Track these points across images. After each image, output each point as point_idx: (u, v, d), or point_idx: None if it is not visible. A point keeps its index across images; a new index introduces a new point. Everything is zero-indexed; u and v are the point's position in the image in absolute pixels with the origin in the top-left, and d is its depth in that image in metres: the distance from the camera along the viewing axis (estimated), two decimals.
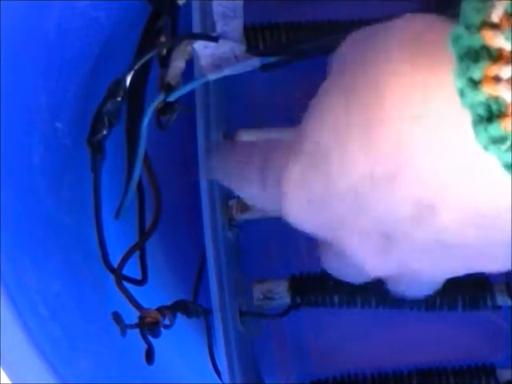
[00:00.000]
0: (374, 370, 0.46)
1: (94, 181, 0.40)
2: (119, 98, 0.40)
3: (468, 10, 0.26)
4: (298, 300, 0.45)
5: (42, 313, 0.37)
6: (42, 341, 0.36)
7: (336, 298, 0.44)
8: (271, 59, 0.40)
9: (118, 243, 0.42)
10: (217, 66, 0.39)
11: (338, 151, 0.31)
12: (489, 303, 0.44)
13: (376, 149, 0.30)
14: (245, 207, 0.43)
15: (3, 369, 0.35)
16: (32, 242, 0.39)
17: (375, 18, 0.42)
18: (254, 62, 0.40)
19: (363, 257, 0.34)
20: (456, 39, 0.26)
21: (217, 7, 0.39)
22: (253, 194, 0.36)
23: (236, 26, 0.39)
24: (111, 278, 0.40)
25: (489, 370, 0.45)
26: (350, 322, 0.48)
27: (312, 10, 0.47)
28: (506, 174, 0.27)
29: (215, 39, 0.39)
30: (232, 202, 0.43)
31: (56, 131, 0.41)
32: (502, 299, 0.44)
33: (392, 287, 0.37)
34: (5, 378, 0.35)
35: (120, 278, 0.40)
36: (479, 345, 0.48)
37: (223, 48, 0.39)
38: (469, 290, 0.44)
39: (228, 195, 0.43)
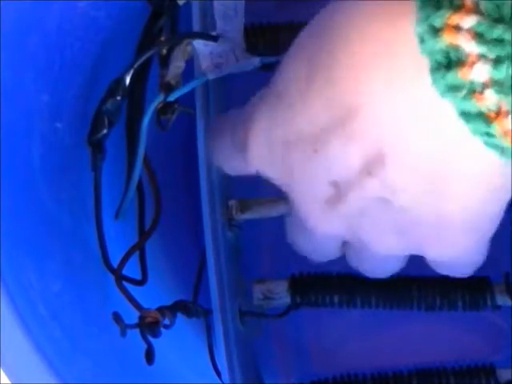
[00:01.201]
0: (374, 370, 0.46)
1: (95, 180, 0.40)
2: (119, 97, 0.40)
3: None
4: (298, 300, 0.45)
5: (42, 313, 0.37)
6: (42, 341, 0.36)
7: (336, 298, 0.44)
8: (271, 59, 0.40)
9: (118, 243, 0.42)
10: (217, 65, 0.39)
11: (298, 98, 0.32)
12: (489, 303, 0.44)
13: (333, 91, 0.30)
14: (245, 207, 0.43)
15: (3, 369, 0.35)
16: (32, 241, 0.39)
17: None
18: (254, 62, 0.40)
19: (308, 209, 0.34)
20: None
21: (218, 6, 0.39)
22: (229, 162, 0.37)
23: (236, 25, 0.39)
24: (111, 277, 0.40)
25: (489, 370, 0.45)
26: (350, 322, 0.48)
27: (312, 9, 0.47)
28: (461, 125, 0.27)
29: (215, 38, 0.39)
30: (232, 202, 0.43)
31: (56, 131, 0.41)
32: (501, 299, 0.44)
33: (354, 264, 0.37)
34: (5, 379, 0.35)
35: (120, 278, 0.40)
36: (479, 345, 0.48)
37: (223, 47, 0.39)
38: (469, 290, 0.44)
39: (228, 195, 0.43)
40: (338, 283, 0.44)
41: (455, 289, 0.44)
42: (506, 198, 0.32)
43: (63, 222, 0.42)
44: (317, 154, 0.32)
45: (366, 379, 0.46)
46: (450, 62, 0.26)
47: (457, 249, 0.34)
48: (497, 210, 0.33)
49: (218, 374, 0.43)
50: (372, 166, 0.31)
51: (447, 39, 0.25)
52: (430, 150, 0.30)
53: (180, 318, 0.40)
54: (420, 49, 0.26)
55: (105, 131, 0.40)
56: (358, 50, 0.29)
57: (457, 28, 0.25)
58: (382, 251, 0.35)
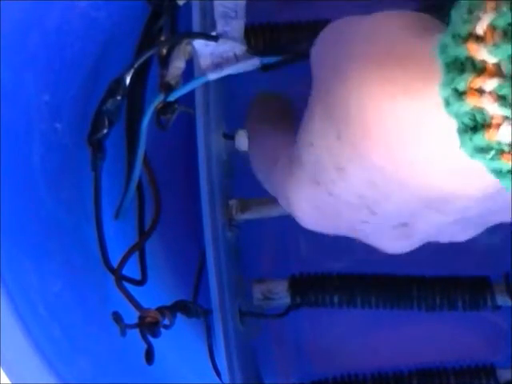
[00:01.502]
0: (374, 370, 0.46)
1: (95, 180, 0.40)
2: (119, 97, 0.40)
3: (456, 19, 0.26)
4: (298, 300, 0.45)
5: (42, 313, 0.37)
6: (42, 341, 0.36)
7: (336, 298, 0.44)
8: (271, 59, 0.40)
9: (118, 243, 0.42)
10: (217, 65, 0.39)
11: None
12: (489, 303, 0.44)
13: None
14: (245, 207, 0.43)
15: (3, 369, 0.35)
16: (32, 242, 0.39)
17: None
18: (255, 62, 0.40)
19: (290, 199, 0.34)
20: (443, 48, 0.26)
21: (218, 7, 0.39)
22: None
23: (237, 26, 0.39)
24: (111, 278, 0.40)
25: (489, 371, 0.45)
26: (350, 322, 0.48)
27: (312, 9, 0.47)
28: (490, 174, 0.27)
29: (215, 38, 0.39)
30: (232, 202, 0.43)
31: (56, 131, 0.41)
32: (502, 299, 0.44)
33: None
34: (5, 378, 0.35)
35: (120, 278, 0.40)
36: (479, 345, 0.48)
37: (223, 48, 0.39)
38: (469, 290, 0.44)
39: (228, 195, 0.43)
40: (338, 283, 0.44)
41: (455, 289, 0.44)
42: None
43: (63, 222, 0.42)
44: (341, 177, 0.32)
45: (366, 379, 0.46)
46: (476, 124, 0.26)
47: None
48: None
49: (218, 374, 0.43)
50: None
51: (471, 102, 0.26)
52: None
53: (180, 318, 0.40)
54: (446, 111, 0.27)
55: (105, 131, 0.40)
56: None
57: (480, 91, 0.25)
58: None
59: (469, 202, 0.31)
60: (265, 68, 0.40)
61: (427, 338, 0.48)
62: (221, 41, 0.39)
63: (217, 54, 0.39)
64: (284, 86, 0.46)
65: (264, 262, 0.48)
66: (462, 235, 0.35)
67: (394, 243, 0.34)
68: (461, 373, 0.45)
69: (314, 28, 0.43)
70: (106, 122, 0.40)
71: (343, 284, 0.44)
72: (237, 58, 0.39)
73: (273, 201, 0.42)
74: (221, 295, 0.41)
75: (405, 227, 0.33)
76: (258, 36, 0.43)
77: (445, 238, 0.35)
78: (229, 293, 0.42)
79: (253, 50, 0.40)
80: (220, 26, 0.39)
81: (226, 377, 0.42)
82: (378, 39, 0.29)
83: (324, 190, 0.32)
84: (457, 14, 0.26)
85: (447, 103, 0.26)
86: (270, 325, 0.48)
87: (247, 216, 0.43)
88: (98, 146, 0.40)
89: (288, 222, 0.35)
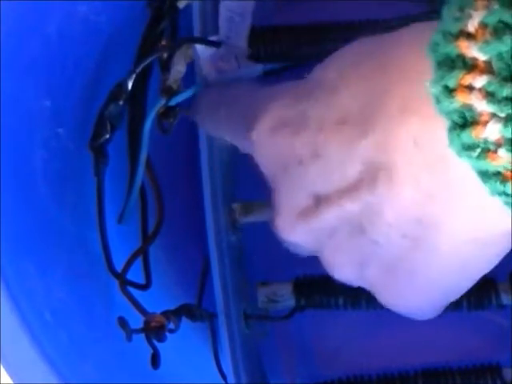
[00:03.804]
0: (379, 371, 0.46)
1: (98, 185, 0.40)
2: (121, 102, 0.40)
3: (447, 17, 0.26)
4: (303, 302, 0.45)
5: (48, 319, 0.37)
6: (48, 346, 0.36)
7: (341, 300, 0.44)
8: (273, 66, 0.40)
9: (121, 248, 0.42)
10: (218, 69, 0.39)
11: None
12: (494, 302, 0.44)
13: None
14: (248, 210, 0.43)
15: (9, 374, 0.35)
16: (35, 248, 0.39)
17: (376, 20, 0.42)
18: (257, 69, 0.40)
19: (282, 214, 0.34)
20: (434, 46, 0.26)
21: (223, 11, 0.39)
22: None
23: (241, 31, 0.39)
24: (115, 282, 0.40)
25: (494, 370, 0.45)
26: (355, 323, 0.48)
27: (312, 12, 0.47)
28: (479, 185, 0.27)
29: (217, 44, 0.39)
30: (235, 206, 0.43)
31: (58, 136, 0.41)
32: (507, 298, 0.44)
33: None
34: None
35: (124, 283, 0.40)
36: (485, 344, 0.48)
37: (225, 53, 0.39)
38: (473, 290, 0.44)
39: (231, 198, 0.43)
40: (342, 285, 0.44)
41: None
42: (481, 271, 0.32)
43: (66, 227, 0.42)
44: (316, 160, 0.32)
45: (372, 380, 0.46)
46: (465, 121, 0.26)
47: (410, 304, 0.34)
48: (468, 284, 0.33)
49: (224, 377, 0.43)
50: (365, 186, 0.30)
51: (461, 99, 0.26)
52: (428, 195, 0.29)
53: (184, 322, 0.40)
54: (437, 109, 0.27)
55: (107, 136, 0.40)
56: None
57: (469, 88, 0.25)
58: (337, 275, 0.35)
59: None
60: (267, 74, 0.40)
61: (432, 338, 0.48)
62: (223, 46, 0.39)
63: (218, 58, 0.39)
64: None
65: (268, 265, 0.48)
66: None
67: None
68: (466, 372, 0.45)
69: (314, 31, 0.43)
70: (108, 127, 0.40)
71: (348, 286, 0.44)
72: (239, 65, 0.39)
73: None
74: (225, 298, 0.41)
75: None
76: (258, 41, 0.43)
77: None
78: (233, 296, 0.42)
79: (255, 56, 0.40)
80: (223, 31, 0.39)
81: (231, 379, 0.42)
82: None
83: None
84: (447, 12, 0.26)
85: (437, 101, 0.26)
86: (275, 327, 0.48)
87: (250, 219, 0.43)
88: (100, 151, 0.41)
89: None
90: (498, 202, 0.27)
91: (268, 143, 0.33)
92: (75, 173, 0.42)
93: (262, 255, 0.48)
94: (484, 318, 0.47)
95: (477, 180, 0.27)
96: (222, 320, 0.41)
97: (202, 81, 0.39)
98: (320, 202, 0.32)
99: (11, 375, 0.35)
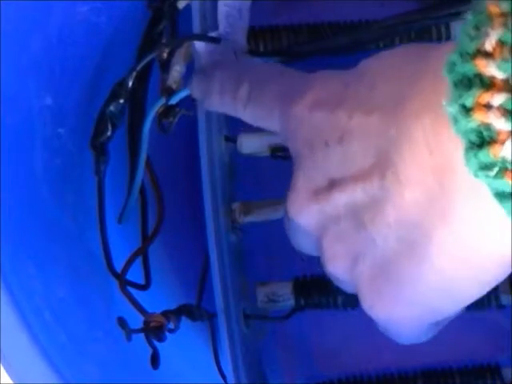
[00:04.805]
0: (379, 371, 0.46)
1: (98, 183, 0.40)
2: (122, 100, 0.40)
3: (463, 37, 0.26)
4: (302, 302, 0.45)
5: (47, 318, 0.37)
6: (48, 346, 0.36)
7: (340, 300, 0.44)
8: (272, 61, 0.40)
9: (121, 248, 0.42)
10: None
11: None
12: (493, 303, 0.44)
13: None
14: (248, 210, 0.43)
15: (9, 374, 0.35)
16: (35, 247, 0.39)
17: (375, 19, 0.42)
18: None
19: (297, 183, 0.34)
20: (451, 66, 0.26)
21: (222, 7, 0.39)
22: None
23: (240, 27, 0.39)
24: (115, 282, 0.40)
25: (494, 370, 0.45)
26: (355, 323, 0.47)
27: (312, 11, 0.47)
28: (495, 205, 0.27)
29: (217, 41, 0.39)
30: (235, 205, 0.43)
31: (59, 136, 0.41)
32: (506, 298, 0.44)
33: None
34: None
35: (124, 282, 0.40)
36: (484, 344, 0.48)
37: (224, 49, 0.39)
38: None
39: (231, 198, 0.43)
40: None
41: None
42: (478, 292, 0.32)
43: (67, 226, 0.42)
44: (340, 144, 0.32)
45: (371, 380, 0.46)
46: (482, 140, 0.26)
47: (393, 316, 0.34)
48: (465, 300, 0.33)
49: (224, 376, 0.43)
50: (376, 179, 0.31)
51: (478, 118, 0.25)
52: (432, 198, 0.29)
53: (184, 322, 0.40)
54: (454, 130, 0.27)
55: (108, 134, 0.40)
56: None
57: (487, 106, 0.25)
58: (329, 267, 0.35)
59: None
60: None
61: (431, 338, 0.48)
62: (222, 43, 0.39)
63: (218, 57, 0.39)
64: None
65: (268, 265, 0.48)
66: None
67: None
68: (466, 372, 0.45)
69: (313, 29, 0.44)
70: (109, 126, 0.40)
71: None
72: (238, 60, 0.39)
73: (276, 203, 0.42)
74: (225, 298, 0.41)
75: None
76: (257, 38, 0.43)
77: None
78: (233, 296, 0.42)
79: (254, 52, 0.40)
80: (222, 27, 0.39)
81: (231, 379, 0.42)
82: None
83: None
84: (464, 32, 0.26)
85: (455, 121, 0.26)
86: (274, 327, 0.48)
87: (250, 219, 0.43)
88: (100, 150, 0.41)
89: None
90: (508, 224, 0.27)
91: (306, 118, 0.34)
92: (76, 172, 0.42)
93: (262, 255, 0.48)
94: (484, 318, 0.47)
95: (481, 201, 0.27)
96: (221, 320, 0.41)
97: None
98: (334, 185, 0.32)
99: (11, 375, 0.35)
